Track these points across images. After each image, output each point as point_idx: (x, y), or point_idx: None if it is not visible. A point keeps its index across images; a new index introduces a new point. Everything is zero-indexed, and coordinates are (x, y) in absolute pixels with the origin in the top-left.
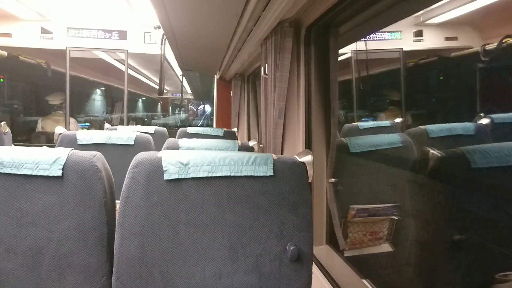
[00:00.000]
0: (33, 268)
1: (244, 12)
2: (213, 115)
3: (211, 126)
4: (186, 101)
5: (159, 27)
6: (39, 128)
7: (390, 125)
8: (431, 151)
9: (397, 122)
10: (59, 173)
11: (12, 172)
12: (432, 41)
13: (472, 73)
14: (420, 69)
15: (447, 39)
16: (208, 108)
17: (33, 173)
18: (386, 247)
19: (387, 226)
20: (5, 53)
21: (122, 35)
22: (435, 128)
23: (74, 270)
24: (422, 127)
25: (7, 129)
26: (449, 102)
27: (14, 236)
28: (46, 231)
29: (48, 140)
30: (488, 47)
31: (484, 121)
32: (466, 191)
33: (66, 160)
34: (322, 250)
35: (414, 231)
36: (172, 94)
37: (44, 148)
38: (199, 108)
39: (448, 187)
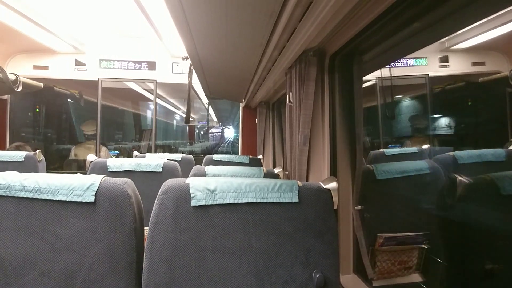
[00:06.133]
0: None
1: (269, 43)
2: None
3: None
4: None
5: (186, 58)
6: (72, 155)
7: (417, 151)
8: (458, 177)
9: (424, 149)
10: (92, 199)
11: (48, 198)
12: (458, 66)
13: (501, 98)
14: (447, 94)
15: (474, 64)
16: (229, 133)
17: (68, 199)
18: (416, 277)
19: (416, 255)
20: (41, 85)
21: (151, 65)
22: (464, 154)
23: None
24: (451, 153)
25: (42, 157)
26: (478, 127)
27: (48, 260)
28: (79, 256)
29: (79, 167)
30: None
31: None
32: (496, 218)
33: (98, 187)
34: (349, 279)
35: (444, 260)
36: (198, 122)
37: (79, 175)
38: (210, 132)
39: (477, 214)
